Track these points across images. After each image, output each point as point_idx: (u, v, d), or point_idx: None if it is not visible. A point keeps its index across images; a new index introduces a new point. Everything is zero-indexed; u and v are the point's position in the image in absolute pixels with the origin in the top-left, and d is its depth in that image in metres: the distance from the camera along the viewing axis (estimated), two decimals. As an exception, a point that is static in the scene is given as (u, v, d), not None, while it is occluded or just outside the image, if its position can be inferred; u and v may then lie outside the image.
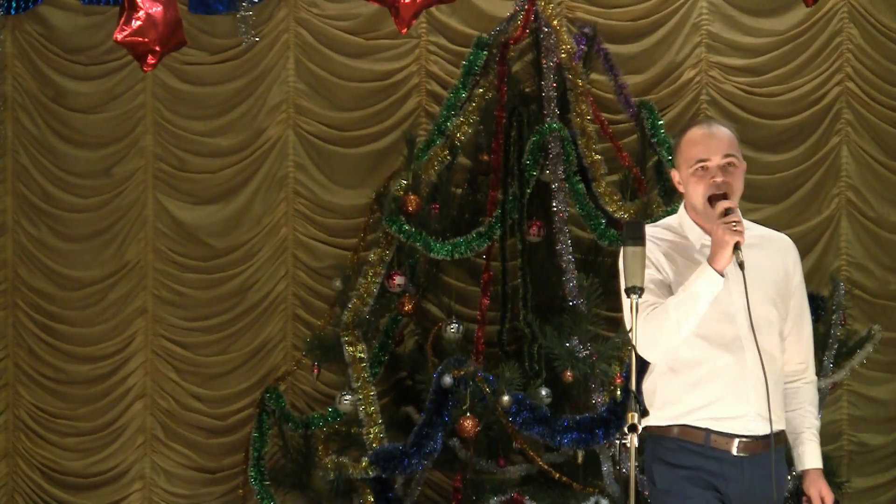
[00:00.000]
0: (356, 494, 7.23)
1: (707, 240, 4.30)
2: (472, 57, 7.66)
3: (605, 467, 6.93)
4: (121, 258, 8.58)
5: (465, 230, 7.45)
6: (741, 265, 4.19)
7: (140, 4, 6.81)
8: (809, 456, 4.46)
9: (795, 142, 8.61)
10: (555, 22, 7.64)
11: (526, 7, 7.61)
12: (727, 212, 4.21)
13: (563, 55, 7.58)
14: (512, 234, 7.60)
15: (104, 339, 8.56)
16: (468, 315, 7.72)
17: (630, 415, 4.02)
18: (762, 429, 4.34)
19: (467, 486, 7.16)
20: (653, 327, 4.23)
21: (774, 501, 4.37)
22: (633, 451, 4.04)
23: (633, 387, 4.14)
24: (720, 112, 8.41)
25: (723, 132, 4.39)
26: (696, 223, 4.41)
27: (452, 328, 7.36)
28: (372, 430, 7.08)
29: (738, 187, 4.34)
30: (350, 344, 7.29)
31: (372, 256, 7.47)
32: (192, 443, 8.52)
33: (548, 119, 7.41)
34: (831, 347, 7.36)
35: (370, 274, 7.41)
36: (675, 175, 4.46)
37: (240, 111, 8.58)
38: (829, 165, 8.61)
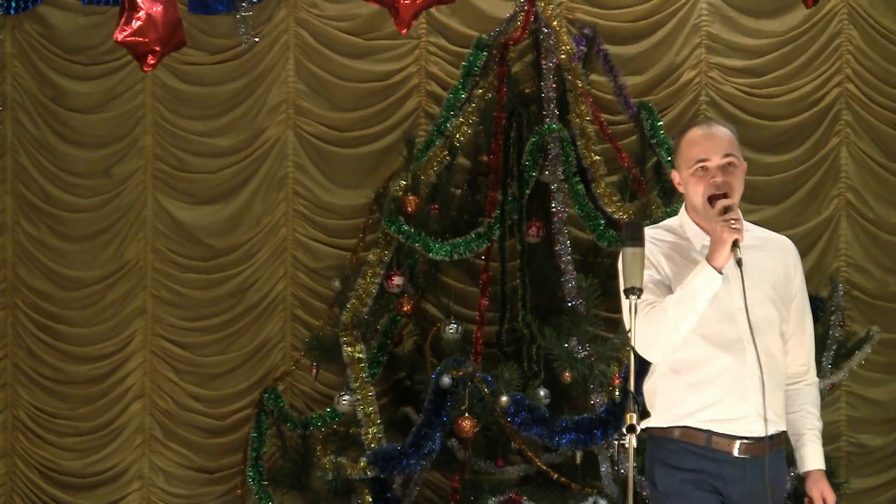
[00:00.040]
0: (354, 495, 7.23)
1: (708, 240, 4.29)
2: (471, 58, 7.66)
3: (604, 468, 6.93)
4: (120, 258, 8.58)
5: (465, 231, 7.45)
6: (739, 262, 4.19)
7: (140, 4, 6.80)
8: (811, 457, 4.46)
9: (795, 143, 8.61)
10: (554, 23, 7.64)
11: (526, 8, 7.62)
12: (726, 210, 4.21)
13: (562, 56, 7.58)
14: (511, 235, 7.61)
15: (103, 339, 8.55)
16: (467, 315, 7.72)
17: (628, 415, 4.01)
18: (764, 430, 4.33)
19: (466, 487, 7.16)
20: (651, 326, 4.23)
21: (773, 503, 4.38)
22: (631, 452, 4.04)
23: (632, 388, 4.14)
24: (720, 113, 8.42)
25: (722, 132, 4.39)
26: (697, 224, 4.41)
27: (451, 329, 7.36)
28: (370, 431, 7.08)
29: (738, 187, 4.34)
30: (349, 344, 7.29)
31: (371, 257, 7.48)
32: (190, 443, 8.52)
33: (547, 120, 7.41)
34: (830, 348, 7.37)
35: (369, 274, 7.41)
36: (676, 176, 4.46)
37: (239, 111, 8.58)
38: (828, 167, 8.61)
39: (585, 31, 7.98)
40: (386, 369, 7.74)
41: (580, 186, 7.33)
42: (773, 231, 4.57)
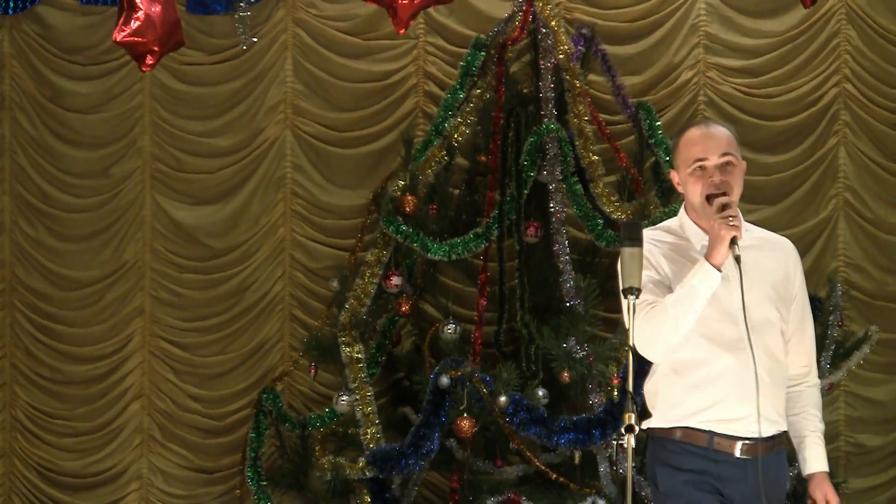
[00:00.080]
0: (353, 495, 7.23)
1: (707, 240, 4.29)
2: (469, 58, 7.66)
3: (602, 468, 6.93)
4: (118, 258, 8.58)
5: (463, 231, 7.45)
6: (738, 259, 4.19)
7: (139, 4, 6.79)
8: (815, 460, 4.46)
9: (793, 143, 8.61)
10: (553, 23, 7.64)
11: (524, 8, 7.61)
12: (724, 207, 4.21)
13: (560, 56, 7.58)
14: (509, 235, 7.60)
15: (101, 340, 8.56)
16: (465, 316, 7.72)
17: (627, 415, 4.01)
18: (766, 430, 4.33)
19: (464, 487, 7.16)
20: (651, 325, 4.22)
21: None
22: (629, 452, 4.03)
23: (631, 388, 4.14)
24: (718, 113, 8.42)
25: (720, 132, 4.39)
26: (696, 224, 4.41)
27: (449, 329, 7.36)
28: (369, 431, 7.08)
29: (736, 186, 4.33)
30: (347, 344, 7.28)
31: (369, 257, 7.47)
32: (189, 443, 8.52)
33: (545, 120, 7.41)
34: (828, 348, 7.37)
35: (367, 274, 7.40)
36: (675, 176, 4.46)
37: (238, 111, 8.58)
38: (826, 167, 8.61)
39: (583, 31, 7.97)
40: (384, 369, 7.74)
41: (578, 186, 7.33)
42: (772, 231, 4.57)
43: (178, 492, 8.51)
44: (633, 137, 7.93)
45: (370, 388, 7.23)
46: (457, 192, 7.98)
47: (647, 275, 4.26)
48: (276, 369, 8.41)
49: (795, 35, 8.58)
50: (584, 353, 6.83)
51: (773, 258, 4.44)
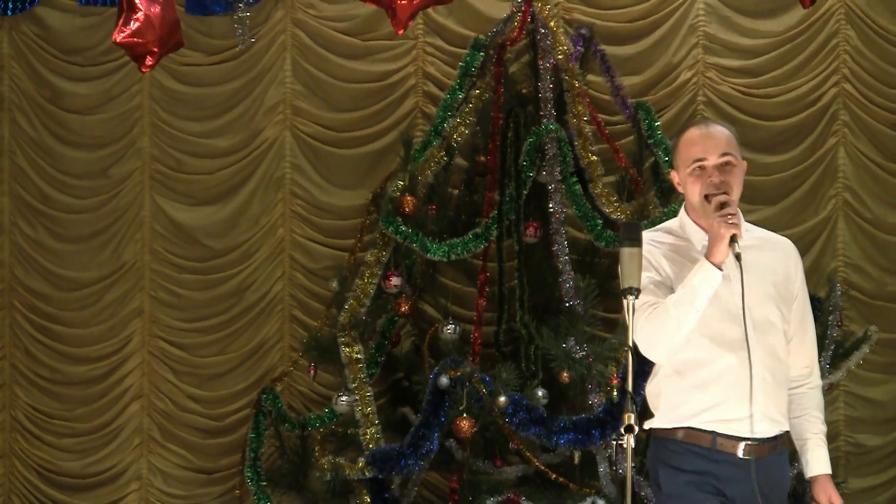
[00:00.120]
0: (353, 495, 7.22)
1: (708, 239, 4.29)
2: (468, 58, 7.66)
3: (602, 468, 6.93)
4: (118, 259, 8.58)
5: (462, 231, 7.44)
6: (738, 257, 4.19)
7: (139, 5, 6.79)
8: (817, 462, 4.47)
9: (792, 143, 8.61)
10: (551, 23, 7.64)
11: (523, 8, 7.61)
12: (723, 205, 4.21)
13: (559, 56, 7.58)
14: (509, 235, 7.60)
15: (101, 340, 8.56)
16: (465, 316, 7.72)
17: (626, 416, 4.01)
18: (768, 431, 4.33)
19: (464, 487, 7.16)
20: (654, 326, 4.23)
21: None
22: (629, 452, 4.03)
23: (630, 388, 4.14)
24: (717, 113, 8.42)
25: (720, 132, 4.39)
26: (697, 224, 4.41)
27: (449, 329, 7.36)
28: (368, 431, 7.08)
29: (736, 186, 4.33)
30: (347, 345, 7.28)
31: (369, 257, 7.47)
32: (188, 443, 8.52)
33: (544, 120, 7.40)
34: (828, 348, 7.37)
35: (367, 275, 7.40)
36: (675, 176, 4.46)
37: (237, 112, 8.58)
38: (825, 167, 8.62)
39: (582, 31, 7.97)
40: (384, 370, 7.74)
41: (577, 187, 7.33)
42: (772, 231, 4.58)
43: (178, 492, 8.52)
44: (632, 138, 7.93)
45: (369, 389, 7.22)
46: (456, 192, 7.98)
47: (648, 276, 4.26)
48: (275, 370, 8.41)
49: (794, 35, 8.59)
50: (584, 353, 6.82)
51: (773, 258, 4.44)
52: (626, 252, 4.14)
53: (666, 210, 7.10)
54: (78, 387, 8.55)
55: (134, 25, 6.83)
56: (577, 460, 7.02)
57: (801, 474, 4.72)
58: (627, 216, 7.22)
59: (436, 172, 7.56)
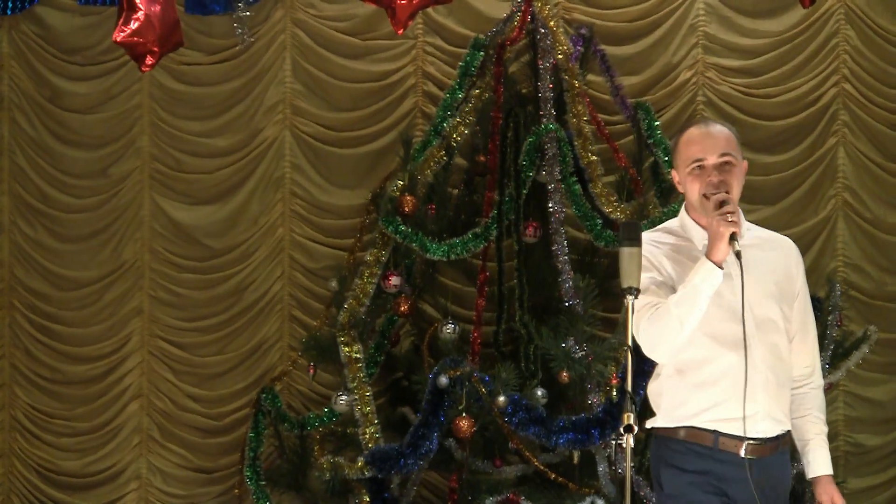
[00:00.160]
0: (352, 495, 7.23)
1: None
2: (468, 58, 7.66)
3: (601, 468, 6.93)
4: (117, 259, 8.58)
5: (462, 231, 7.45)
6: (738, 255, 4.19)
7: (139, 4, 6.79)
8: (819, 463, 4.47)
9: (792, 143, 8.61)
10: (551, 23, 7.64)
11: (522, 8, 7.61)
12: (722, 204, 4.21)
13: (559, 56, 7.58)
14: (508, 235, 7.60)
15: (100, 340, 8.56)
16: (464, 316, 7.72)
17: (626, 415, 4.01)
18: (770, 430, 4.33)
19: (463, 487, 7.16)
20: (656, 326, 4.23)
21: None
22: (628, 452, 4.03)
23: (629, 387, 4.14)
24: (716, 113, 8.42)
25: (720, 131, 4.40)
26: (698, 223, 4.41)
27: (448, 329, 7.35)
28: (368, 431, 7.08)
29: (736, 185, 4.33)
30: (346, 344, 7.28)
31: (368, 257, 7.47)
32: (188, 443, 8.52)
33: (544, 120, 7.41)
34: (827, 348, 7.37)
35: (366, 274, 7.40)
36: (675, 175, 4.47)
37: (236, 112, 8.58)
38: (825, 167, 8.61)
39: (582, 31, 7.97)
40: (383, 369, 7.74)
41: (577, 186, 7.33)
42: (772, 231, 4.58)
43: (177, 491, 8.51)
44: (631, 137, 7.93)
45: (369, 388, 7.23)
46: (455, 192, 7.98)
47: (649, 276, 4.27)
48: (274, 369, 8.41)
49: (794, 35, 8.59)
50: (583, 352, 6.83)
51: (775, 256, 4.45)
52: (626, 252, 4.14)
53: (665, 210, 7.11)
54: (77, 386, 8.55)
55: (134, 25, 6.83)
56: (576, 460, 7.03)
57: (800, 474, 4.73)
58: (627, 216, 7.22)
59: (435, 172, 7.56)
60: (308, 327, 8.19)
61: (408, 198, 7.34)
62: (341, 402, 7.30)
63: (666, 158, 7.38)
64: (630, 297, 4.10)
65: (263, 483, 7.57)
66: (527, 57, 7.83)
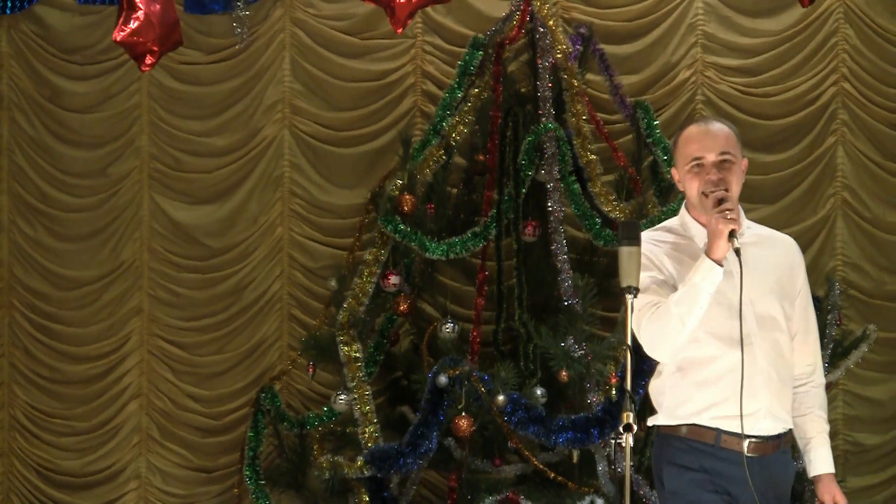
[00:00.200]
0: (351, 494, 7.23)
1: (709, 236, 4.30)
2: (467, 57, 7.66)
3: (601, 467, 6.93)
4: (116, 258, 8.58)
5: (461, 230, 7.45)
6: (738, 252, 4.19)
7: (138, 4, 6.79)
8: (821, 461, 4.47)
9: (791, 142, 8.61)
10: (550, 22, 7.64)
11: (521, 7, 7.61)
12: (720, 201, 4.21)
13: (558, 55, 7.58)
14: (507, 234, 7.60)
15: (100, 339, 8.55)
16: (463, 315, 7.72)
17: (625, 414, 4.01)
18: (772, 428, 4.34)
19: (462, 486, 7.16)
20: (657, 326, 4.24)
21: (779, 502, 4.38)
22: (628, 451, 4.03)
23: (629, 386, 4.14)
24: (716, 112, 8.41)
25: (719, 129, 4.40)
26: (698, 221, 4.41)
27: (448, 328, 7.36)
28: (367, 430, 7.08)
29: (735, 183, 4.33)
30: (345, 343, 7.28)
31: (367, 256, 7.47)
32: (187, 442, 8.52)
33: (543, 119, 7.41)
34: (827, 347, 7.37)
35: (365, 273, 7.40)
36: (675, 173, 4.47)
37: (235, 111, 8.58)
38: (824, 166, 8.62)
39: (581, 30, 7.97)
40: (382, 368, 7.74)
41: (576, 185, 7.33)
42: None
43: (177, 491, 8.51)
44: (630, 136, 7.93)
45: (368, 387, 7.23)
46: (455, 191, 7.98)
47: (650, 275, 4.27)
48: (274, 368, 8.41)
49: (793, 34, 8.59)
50: (583, 352, 6.83)
51: (776, 254, 4.46)
52: (625, 251, 4.15)
53: (665, 209, 7.11)
54: (77, 385, 8.55)
55: (134, 24, 6.83)
56: (575, 459, 7.03)
57: (800, 473, 4.73)
58: (626, 215, 7.22)
59: (434, 171, 7.56)
60: (307, 326, 8.20)
61: (407, 197, 7.35)
62: (340, 401, 7.30)
63: (665, 157, 7.38)
64: (629, 297, 4.10)
65: (263, 482, 7.57)
66: (526, 56, 7.84)
